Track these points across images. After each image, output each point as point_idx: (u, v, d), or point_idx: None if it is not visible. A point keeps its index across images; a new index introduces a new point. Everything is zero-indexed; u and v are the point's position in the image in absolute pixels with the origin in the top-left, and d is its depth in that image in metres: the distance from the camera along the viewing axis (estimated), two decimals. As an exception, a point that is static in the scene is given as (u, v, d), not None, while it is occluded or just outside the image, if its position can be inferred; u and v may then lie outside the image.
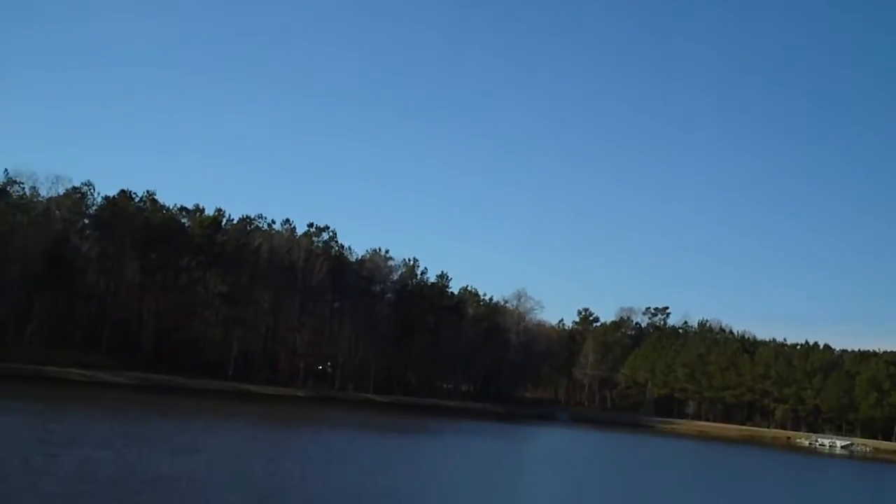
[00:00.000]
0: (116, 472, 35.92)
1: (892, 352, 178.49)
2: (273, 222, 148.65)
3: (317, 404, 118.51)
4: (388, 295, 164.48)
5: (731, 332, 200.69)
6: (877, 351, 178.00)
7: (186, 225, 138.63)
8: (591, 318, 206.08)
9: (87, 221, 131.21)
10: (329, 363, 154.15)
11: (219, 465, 41.43)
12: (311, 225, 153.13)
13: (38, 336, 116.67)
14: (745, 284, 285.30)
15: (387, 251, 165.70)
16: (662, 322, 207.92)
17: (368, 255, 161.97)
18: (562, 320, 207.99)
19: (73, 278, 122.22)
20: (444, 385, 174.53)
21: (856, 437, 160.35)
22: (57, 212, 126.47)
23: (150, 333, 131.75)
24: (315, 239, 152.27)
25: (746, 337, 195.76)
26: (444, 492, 43.32)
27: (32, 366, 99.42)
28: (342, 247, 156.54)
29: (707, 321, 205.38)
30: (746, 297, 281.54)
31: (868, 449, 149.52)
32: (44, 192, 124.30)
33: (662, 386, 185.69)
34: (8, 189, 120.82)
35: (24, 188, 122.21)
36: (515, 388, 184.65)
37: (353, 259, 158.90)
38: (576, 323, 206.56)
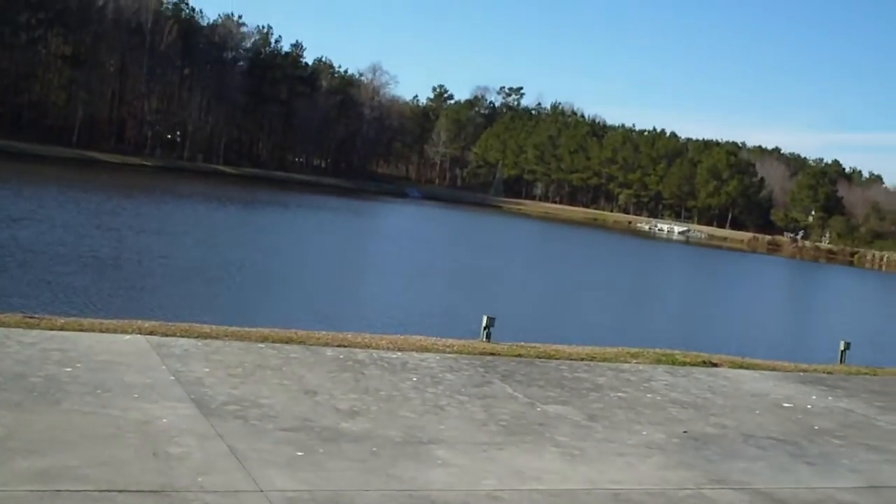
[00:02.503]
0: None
1: (733, 142, 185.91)
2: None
3: (164, 174, 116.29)
4: (241, 63, 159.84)
5: (583, 116, 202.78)
6: (719, 141, 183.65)
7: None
8: (445, 96, 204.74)
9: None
10: (178, 132, 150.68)
11: (50, 236, 40.29)
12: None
13: None
14: (596, 67, 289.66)
15: (239, 17, 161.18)
16: (516, 103, 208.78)
17: (220, 21, 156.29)
18: (416, 97, 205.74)
19: None
20: (296, 159, 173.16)
21: (693, 223, 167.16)
22: None
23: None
24: (164, 0, 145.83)
25: (597, 121, 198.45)
26: (286, 264, 43.36)
27: None
28: (193, 10, 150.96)
29: (560, 104, 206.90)
30: (598, 79, 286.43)
31: (703, 235, 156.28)
32: None
33: (513, 167, 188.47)
34: None
35: None
36: (368, 163, 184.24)
37: (204, 24, 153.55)
38: (430, 100, 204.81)
